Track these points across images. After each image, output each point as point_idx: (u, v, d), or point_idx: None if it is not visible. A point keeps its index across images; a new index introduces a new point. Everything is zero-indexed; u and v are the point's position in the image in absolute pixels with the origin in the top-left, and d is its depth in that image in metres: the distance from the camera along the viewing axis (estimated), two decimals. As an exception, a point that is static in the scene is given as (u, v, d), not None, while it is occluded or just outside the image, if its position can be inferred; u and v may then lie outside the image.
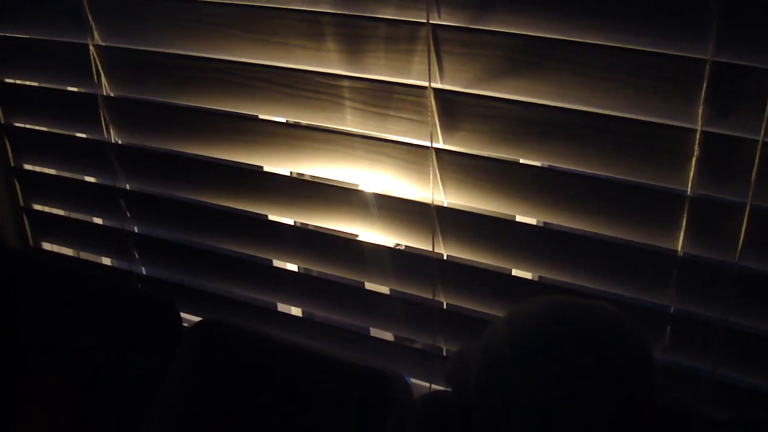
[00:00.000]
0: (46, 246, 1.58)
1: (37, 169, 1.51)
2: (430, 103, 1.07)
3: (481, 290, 1.17)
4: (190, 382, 1.16)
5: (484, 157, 1.08)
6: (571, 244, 1.08)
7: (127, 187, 1.40)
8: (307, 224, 1.28)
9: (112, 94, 1.33)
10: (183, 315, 1.30)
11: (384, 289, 1.26)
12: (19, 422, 1.25)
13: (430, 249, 1.16)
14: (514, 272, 1.17)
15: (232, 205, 1.30)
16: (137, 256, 1.45)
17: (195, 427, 1.13)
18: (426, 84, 1.06)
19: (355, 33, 1.08)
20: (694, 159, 0.95)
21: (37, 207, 1.54)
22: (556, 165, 1.05)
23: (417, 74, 1.07)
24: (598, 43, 0.96)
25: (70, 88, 1.39)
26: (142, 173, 1.38)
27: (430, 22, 1.03)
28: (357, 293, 1.28)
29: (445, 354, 1.24)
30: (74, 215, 1.52)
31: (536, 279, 1.16)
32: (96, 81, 1.31)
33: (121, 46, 1.28)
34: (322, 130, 1.17)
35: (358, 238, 1.23)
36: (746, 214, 0.95)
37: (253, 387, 1.12)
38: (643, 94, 0.96)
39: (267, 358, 1.14)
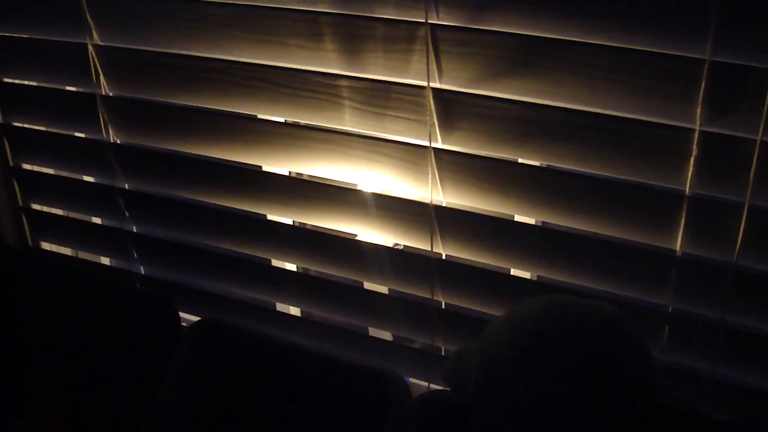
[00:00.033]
0: (45, 245, 1.58)
1: (36, 168, 1.51)
2: (429, 102, 1.07)
3: (479, 290, 1.17)
4: (189, 382, 1.16)
5: (482, 156, 1.08)
6: (569, 244, 1.08)
7: (126, 186, 1.40)
8: (306, 224, 1.28)
9: (110, 94, 1.33)
10: (181, 314, 1.30)
11: (383, 289, 1.26)
12: (18, 422, 1.25)
13: (429, 249, 1.16)
14: (513, 272, 1.17)
15: (230, 205, 1.30)
16: (136, 256, 1.45)
17: (193, 426, 1.13)
18: (425, 84, 1.06)
19: (353, 33, 1.08)
20: (692, 159, 0.95)
21: (36, 206, 1.54)
22: (555, 165, 1.05)
23: (415, 74, 1.07)
24: (597, 42, 0.96)
25: (69, 88, 1.39)
26: (140, 173, 1.38)
27: (429, 21, 1.03)
28: (355, 293, 1.28)
29: (443, 354, 1.24)
30: (73, 215, 1.52)
31: (535, 279, 1.16)
32: (95, 81, 1.31)
33: (119, 45, 1.28)
34: (320, 129, 1.17)
35: (356, 238, 1.23)
36: (744, 213, 0.95)
37: (251, 387, 1.12)
38: (642, 93, 0.96)
39: (265, 358, 1.14)
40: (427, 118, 1.08)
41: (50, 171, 1.51)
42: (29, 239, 1.56)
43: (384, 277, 1.23)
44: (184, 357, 1.17)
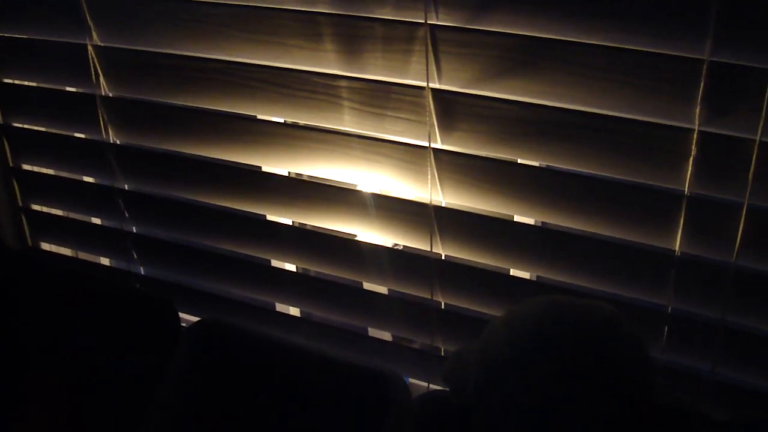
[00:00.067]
0: (45, 246, 1.58)
1: (36, 169, 1.51)
2: (428, 103, 1.07)
3: (479, 290, 1.17)
4: (188, 382, 1.16)
5: (482, 157, 1.08)
6: (569, 244, 1.08)
7: (126, 187, 1.40)
8: (305, 224, 1.28)
9: (110, 95, 1.33)
10: (181, 315, 1.30)
11: (382, 289, 1.26)
12: (17, 422, 1.25)
13: (428, 249, 1.16)
14: (512, 272, 1.17)
15: (230, 205, 1.30)
16: (135, 256, 1.45)
17: (193, 427, 1.13)
18: (424, 84, 1.06)
19: (352, 33, 1.08)
20: (691, 159, 0.95)
21: (36, 207, 1.54)
22: (554, 165, 1.05)
23: (415, 74, 1.07)
24: (596, 43, 0.96)
25: (68, 89, 1.39)
26: (140, 173, 1.38)
27: (428, 22, 1.03)
28: (355, 293, 1.28)
29: (443, 354, 1.24)
30: (73, 215, 1.52)
31: (534, 279, 1.16)
32: (95, 81, 1.31)
33: (119, 46, 1.28)
34: (320, 130, 1.17)
35: (356, 238, 1.23)
36: (743, 213, 0.95)
37: (251, 387, 1.12)
38: (641, 94, 0.96)
39: (265, 358, 1.14)
40: (427, 119, 1.08)
41: (50, 171, 1.51)
42: (29, 240, 1.56)
43: (383, 277, 1.23)
44: (183, 357, 1.17)
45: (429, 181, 1.11)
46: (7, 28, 1.38)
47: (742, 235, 0.96)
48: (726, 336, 1.02)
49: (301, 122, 1.20)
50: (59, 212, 1.53)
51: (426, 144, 1.09)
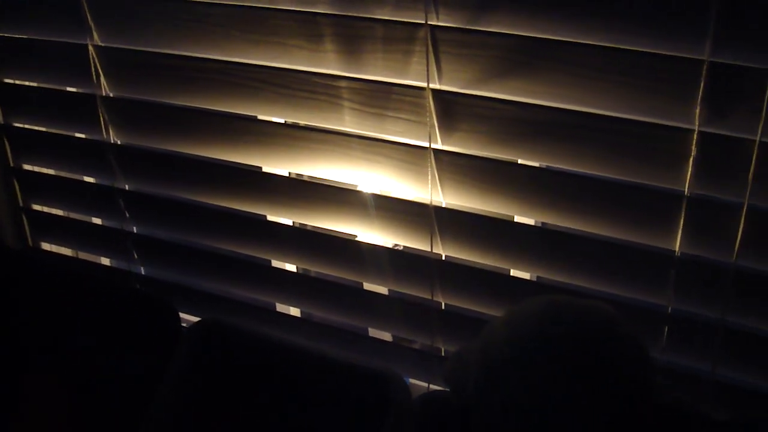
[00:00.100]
0: (45, 246, 1.58)
1: (36, 169, 1.51)
2: (429, 103, 1.07)
3: (479, 290, 1.17)
4: (189, 382, 1.16)
5: (482, 157, 1.08)
6: (569, 245, 1.08)
7: (126, 187, 1.40)
8: (306, 225, 1.28)
9: (111, 95, 1.33)
10: (182, 315, 1.30)
11: (382, 290, 1.26)
12: (17, 422, 1.25)
13: (429, 249, 1.16)
14: (513, 272, 1.17)
15: (230, 206, 1.30)
16: (136, 257, 1.45)
17: (193, 427, 1.13)
18: (424, 85, 1.06)
19: (353, 34, 1.08)
20: (691, 159, 0.95)
21: (36, 207, 1.54)
22: (554, 165, 1.05)
23: (415, 75, 1.07)
24: (596, 43, 0.96)
25: (69, 89, 1.40)
26: (141, 173, 1.38)
27: (428, 23, 1.03)
28: (355, 293, 1.28)
29: (443, 354, 1.24)
30: (73, 215, 1.52)
31: (534, 279, 1.16)
32: (95, 81, 1.31)
33: (120, 46, 1.28)
34: (320, 130, 1.17)
35: (356, 239, 1.23)
36: (743, 213, 0.95)
37: (251, 387, 1.13)
38: (641, 94, 0.96)
39: (265, 359, 1.14)
40: (427, 119, 1.08)
41: (51, 171, 1.51)
42: (29, 240, 1.56)
43: (384, 277, 1.23)
44: (183, 357, 1.17)
45: (429, 181, 1.11)
46: (7, 28, 1.39)
47: (742, 235, 0.96)
48: (726, 336, 1.02)
49: (302, 123, 1.20)
50: (60, 212, 1.54)
51: (426, 144, 1.09)
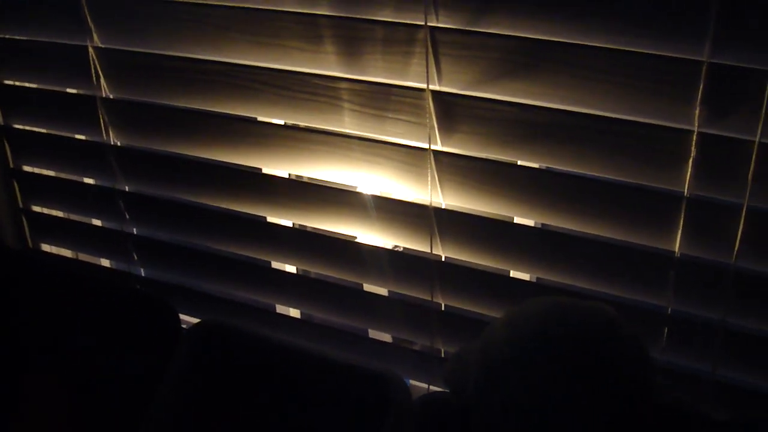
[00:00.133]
0: (45, 247, 1.58)
1: (36, 170, 1.51)
2: (428, 105, 1.07)
3: (479, 292, 1.17)
4: (189, 382, 1.16)
5: (482, 158, 1.08)
6: (568, 246, 1.08)
7: (126, 188, 1.40)
8: (306, 226, 1.28)
9: (111, 96, 1.33)
10: (182, 316, 1.30)
11: (382, 291, 1.26)
12: (17, 422, 1.25)
13: (429, 250, 1.16)
14: (512, 273, 1.17)
15: (230, 207, 1.30)
16: (136, 258, 1.45)
17: (193, 427, 1.13)
18: (424, 86, 1.06)
19: (353, 35, 1.08)
20: (690, 160, 0.95)
21: (36, 208, 1.54)
22: (554, 166, 1.05)
23: (415, 76, 1.07)
24: (596, 45, 0.96)
25: (69, 90, 1.40)
26: (141, 175, 1.38)
27: (428, 24, 1.03)
28: (355, 295, 1.28)
29: (443, 355, 1.24)
30: (73, 217, 1.52)
31: (534, 280, 1.16)
32: (95, 83, 1.32)
33: (120, 48, 1.28)
34: (320, 132, 1.17)
35: (356, 240, 1.23)
36: (743, 214, 0.95)
37: (251, 388, 1.12)
38: (640, 95, 0.96)
39: (266, 359, 1.14)
40: (427, 121, 1.08)
41: (51, 173, 1.51)
42: (29, 241, 1.56)
43: (384, 279, 1.23)
44: (184, 357, 1.17)
45: (429, 182, 1.12)
46: (7, 30, 1.39)
47: (741, 236, 0.96)
48: (726, 336, 1.02)
49: (302, 124, 1.20)
50: (60, 213, 1.54)
51: (426, 146, 1.10)
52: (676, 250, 1.01)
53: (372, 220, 1.18)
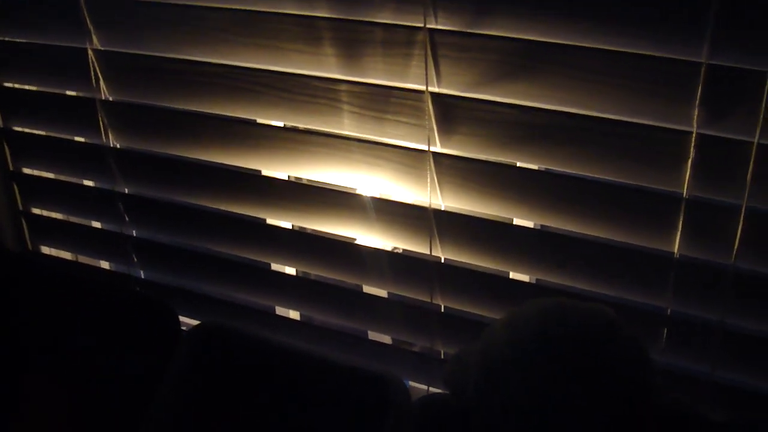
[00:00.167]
0: (45, 249, 1.58)
1: (36, 172, 1.51)
2: (428, 107, 1.07)
3: (478, 293, 1.17)
4: (189, 383, 1.16)
5: (481, 160, 1.08)
6: (567, 247, 1.08)
7: (126, 190, 1.40)
8: (305, 228, 1.28)
9: (110, 98, 1.33)
10: (181, 318, 1.30)
11: (382, 293, 1.26)
12: (17, 422, 1.25)
13: (428, 252, 1.16)
14: (512, 275, 1.17)
15: (230, 209, 1.30)
16: (136, 260, 1.45)
17: (193, 429, 1.13)
18: (423, 88, 1.06)
19: (352, 37, 1.09)
20: (689, 161, 0.95)
21: (36, 211, 1.54)
22: (553, 168, 1.06)
23: (414, 78, 1.07)
24: (594, 46, 0.96)
25: (69, 92, 1.40)
26: (140, 177, 1.38)
27: (427, 26, 1.03)
28: (355, 296, 1.28)
29: (443, 357, 1.24)
30: (73, 219, 1.52)
31: (533, 282, 1.16)
32: (95, 85, 1.32)
33: (119, 50, 1.28)
34: (319, 134, 1.18)
35: (355, 242, 1.23)
36: (742, 215, 0.95)
37: (251, 389, 1.13)
38: (639, 97, 0.96)
39: (265, 361, 1.14)
40: (426, 123, 1.08)
41: (50, 175, 1.51)
42: (29, 243, 1.56)
43: (383, 280, 1.23)
44: (184, 358, 1.17)
45: (428, 184, 1.12)
46: (7, 32, 1.39)
47: (740, 237, 0.96)
48: (725, 337, 1.02)
49: (301, 126, 1.20)
50: (59, 216, 1.54)
51: (425, 148, 1.10)
52: (675, 251, 1.01)
53: (371, 221, 1.18)
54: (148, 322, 1.24)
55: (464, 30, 1.02)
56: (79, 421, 1.22)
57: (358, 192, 1.20)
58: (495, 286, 1.16)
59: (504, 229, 1.12)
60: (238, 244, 1.33)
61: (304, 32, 1.12)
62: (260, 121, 1.24)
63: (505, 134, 1.05)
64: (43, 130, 1.45)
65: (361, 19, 1.07)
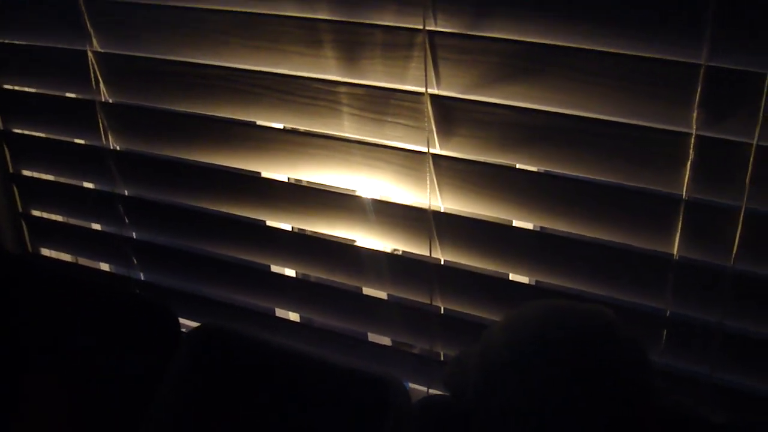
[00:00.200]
0: (45, 252, 1.58)
1: (36, 175, 1.51)
2: (427, 109, 1.07)
3: (478, 295, 1.17)
4: (189, 384, 1.16)
5: (480, 162, 1.09)
6: (567, 249, 1.08)
7: (126, 193, 1.40)
8: (305, 230, 1.28)
9: (110, 101, 1.34)
10: (181, 320, 1.30)
11: (381, 295, 1.26)
12: (17, 422, 1.25)
13: (428, 254, 1.16)
14: (511, 277, 1.17)
15: (230, 211, 1.31)
16: (135, 262, 1.45)
17: (193, 429, 1.13)
18: (423, 90, 1.06)
19: (352, 39, 1.09)
20: (689, 163, 0.96)
21: (36, 213, 1.54)
22: (552, 170, 1.06)
23: (414, 80, 1.07)
24: (594, 48, 0.96)
25: (68, 95, 1.40)
26: (140, 179, 1.39)
27: (427, 28, 1.03)
28: (355, 298, 1.28)
29: (442, 359, 1.24)
30: (73, 221, 1.52)
31: (533, 283, 1.16)
32: (94, 87, 1.32)
33: (119, 52, 1.28)
34: (319, 136, 1.18)
35: (355, 244, 1.24)
36: (741, 217, 0.95)
37: (251, 391, 1.13)
38: (639, 98, 0.96)
39: (265, 363, 1.14)
40: (426, 125, 1.08)
41: (50, 177, 1.51)
42: (29, 245, 1.56)
43: (383, 282, 1.23)
44: (184, 358, 1.17)
45: (428, 186, 1.12)
46: (7, 35, 1.39)
47: (739, 238, 0.96)
48: (724, 339, 1.02)
49: (301, 128, 1.20)
50: (59, 218, 1.54)
51: (425, 149, 1.10)
52: (675, 252, 1.01)
53: (371, 223, 1.18)
54: (148, 324, 1.24)
55: (463, 32, 1.02)
56: (79, 422, 1.22)
57: (357, 194, 1.20)
58: (494, 287, 1.16)
59: (503, 230, 1.12)
60: (237, 245, 1.33)
61: (304, 34, 1.12)
62: (260, 123, 1.24)
63: (505, 136, 1.05)
64: (43, 132, 1.45)
65: (361, 21, 1.07)
